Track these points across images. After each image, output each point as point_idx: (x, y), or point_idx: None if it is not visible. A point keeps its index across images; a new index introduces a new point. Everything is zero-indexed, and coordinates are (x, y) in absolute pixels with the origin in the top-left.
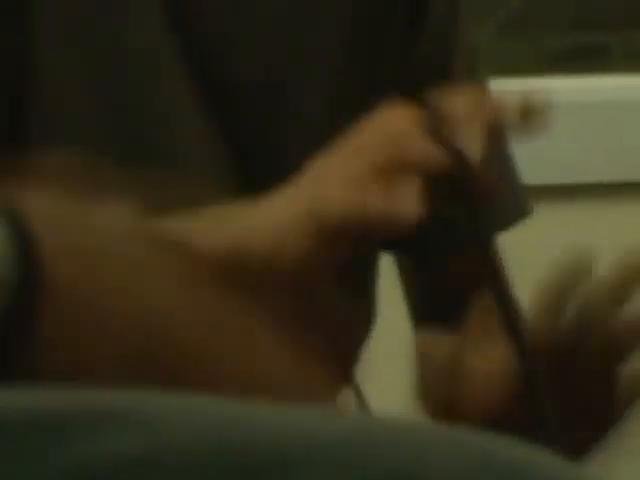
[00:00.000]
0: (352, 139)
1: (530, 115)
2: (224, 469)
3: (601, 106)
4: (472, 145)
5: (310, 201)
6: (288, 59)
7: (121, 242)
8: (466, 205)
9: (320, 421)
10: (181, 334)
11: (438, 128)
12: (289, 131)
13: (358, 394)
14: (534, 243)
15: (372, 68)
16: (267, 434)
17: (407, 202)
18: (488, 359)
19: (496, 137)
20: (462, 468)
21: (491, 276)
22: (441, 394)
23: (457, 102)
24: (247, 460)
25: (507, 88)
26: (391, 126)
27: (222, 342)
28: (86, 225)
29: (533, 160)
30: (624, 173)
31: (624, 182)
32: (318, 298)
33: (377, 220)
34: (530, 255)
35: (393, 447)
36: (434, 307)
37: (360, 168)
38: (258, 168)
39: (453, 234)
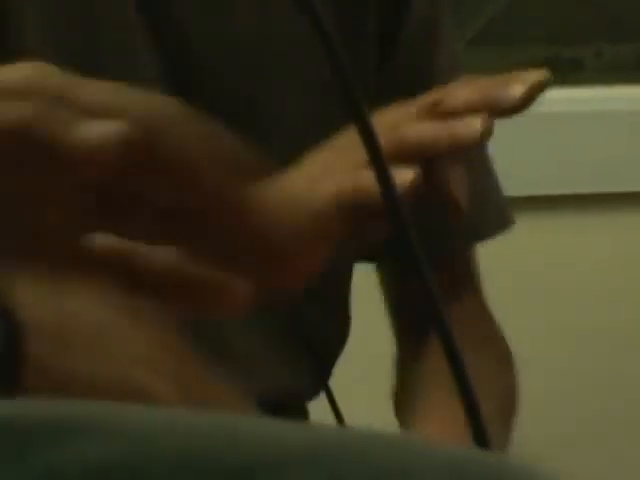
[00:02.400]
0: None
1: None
2: (193, 476)
3: (573, 117)
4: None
5: (307, 183)
6: (268, 69)
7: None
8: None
9: (289, 429)
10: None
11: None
12: (269, 138)
13: (333, 406)
14: (513, 254)
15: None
16: (235, 441)
17: (402, 173)
18: None
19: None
20: (434, 475)
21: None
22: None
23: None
24: (216, 467)
25: None
26: (386, 118)
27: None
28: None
29: (501, 171)
30: (595, 184)
31: (594, 194)
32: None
33: (371, 193)
34: (510, 265)
35: (367, 452)
36: (413, 321)
37: (358, 155)
38: None
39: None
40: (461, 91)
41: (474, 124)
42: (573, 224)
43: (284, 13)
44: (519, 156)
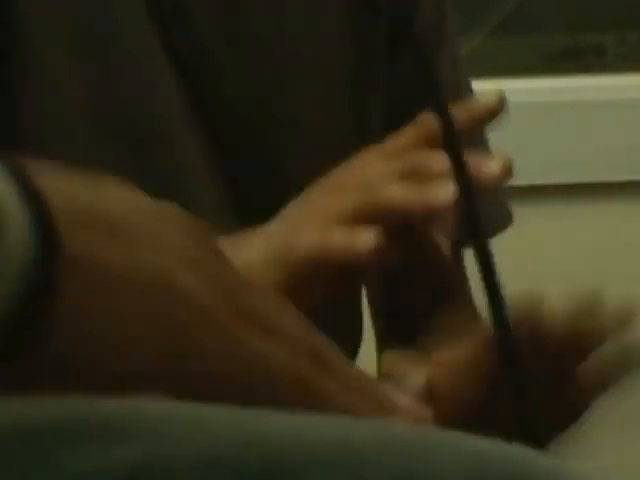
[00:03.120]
0: (329, 180)
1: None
2: (222, 475)
3: (596, 105)
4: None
5: (279, 239)
6: (284, 70)
7: (134, 213)
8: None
9: (316, 426)
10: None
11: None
12: (287, 145)
13: None
14: (531, 243)
15: (366, 84)
16: (266, 440)
17: (365, 237)
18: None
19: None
20: (458, 472)
21: (483, 276)
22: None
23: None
24: (245, 466)
25: (501, 88)
26: (366, 171)
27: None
28: (100, 197)
29: (526, 160)
30: (619, 172)
31: (618, 182)
32: None
33: (336, 254)
34: (526, 255)
35: (388, 451)
36: (400, 324)
37: (331, 209)
38: (256, 185)
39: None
40: (439, 159)
41: (448, 189)
42: (599, 212)
43: (301, 13)
44: (542, 144)
